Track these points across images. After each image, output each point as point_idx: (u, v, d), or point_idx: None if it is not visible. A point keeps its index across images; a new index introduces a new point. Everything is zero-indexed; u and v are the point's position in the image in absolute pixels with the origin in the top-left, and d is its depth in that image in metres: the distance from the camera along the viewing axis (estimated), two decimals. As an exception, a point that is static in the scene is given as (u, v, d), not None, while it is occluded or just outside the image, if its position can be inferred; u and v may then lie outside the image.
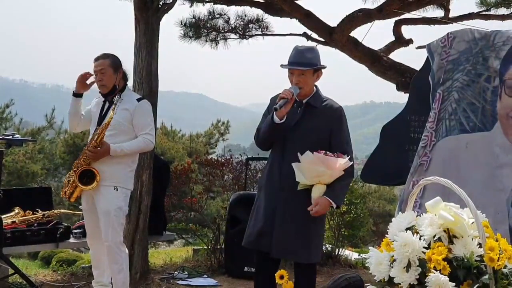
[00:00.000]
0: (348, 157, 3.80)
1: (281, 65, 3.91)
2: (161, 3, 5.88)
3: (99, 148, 4.49)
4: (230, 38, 7.79)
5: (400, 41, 7.68)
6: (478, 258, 2.13)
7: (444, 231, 2.23)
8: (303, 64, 3.82)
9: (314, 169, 3.70)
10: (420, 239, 2.21)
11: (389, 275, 2.24)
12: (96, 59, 4.70)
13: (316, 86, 3.95)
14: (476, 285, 2.07)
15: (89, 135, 4.82)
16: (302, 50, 3.88)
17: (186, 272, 6.35)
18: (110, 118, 4.48)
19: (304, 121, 3.85)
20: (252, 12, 7.50)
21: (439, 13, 7.53)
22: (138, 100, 4.73)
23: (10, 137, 4.97)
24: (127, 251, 4.78)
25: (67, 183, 4.66)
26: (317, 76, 3.91)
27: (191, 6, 7.35)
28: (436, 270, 2.09)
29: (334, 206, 3.82)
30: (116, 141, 4.57)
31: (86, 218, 4.87)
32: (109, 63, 4.65)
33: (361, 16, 6.75)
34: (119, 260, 4.65)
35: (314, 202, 3.74)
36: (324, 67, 3.93)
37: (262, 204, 3.94)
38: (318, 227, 3.91)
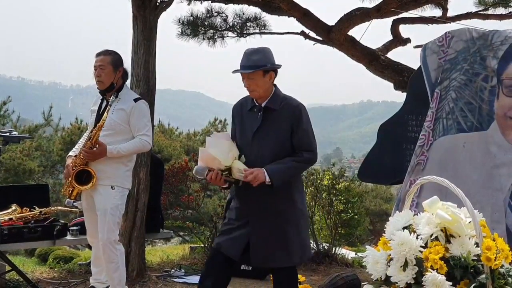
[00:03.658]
0: (312, 153, 3.75)
1: (233, 71, 3.81)
2: (159, 1, 5.87)
3: (94, 148, 4.49)
4: (227, 37, 7.79)
5: (398, 40, 7.69)
6: (475, 258, 2.13)
7: (441, 230, 2.23)
8: (249, 67, 3.69)
9: (223, 144, 3.72)
10: (417, 238, 2.21)
11: (386, 274, 2.24)
12: (98, 55, 4.68)
13: (274, 85, 3.83)
14: (473, 285, 2.07)
15: (86, 132, 4.82)
16: (248, 53, 3.74)
17: (183, 270, 6.36)
18: (103, 121, 4.49)
19: (265, 125, 3.76)
20: (250, 10, 7.52)
21: (437, 12, 7.54)
22: (136, 100, 4.70)
23: (8, 134, 4.96)
24: (123, 250, 4.78)
25: (67, 182, 4.67)
26: (270, 77, 3.76)
27: (189, 4, 7.36)
28: (433, 269, 2.10)
29: (267, 179, 3.62)
30: (113, 141, 4.56)
31: (86, 216, 4.88)
32: (109, 60, 4.63)
33: (359, 15, 6.75)
34: (115, 258, 4.64)
35: (249, 171, 3.63)
36: (277, 67, 3.78)
37: (233, 214, 3.85)
38: (295, 227, 3.78)
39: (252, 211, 3.74)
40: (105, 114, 4.52)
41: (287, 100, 3.80)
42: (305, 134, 3.76)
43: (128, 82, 5.03)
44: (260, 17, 7.55)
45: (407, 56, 6.17)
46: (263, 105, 3.79)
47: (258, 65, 3.69)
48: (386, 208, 16.40)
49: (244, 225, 3.75)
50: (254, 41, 7.83)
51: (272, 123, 3.75)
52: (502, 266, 2.13)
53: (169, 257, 7.15)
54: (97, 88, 4.73)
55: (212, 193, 13.46)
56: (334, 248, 7.40)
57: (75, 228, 5.66)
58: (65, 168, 4.75)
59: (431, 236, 2.23)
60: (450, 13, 7.52)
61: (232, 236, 3.77)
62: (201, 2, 7.40)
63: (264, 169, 3.63)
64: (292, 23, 7.43)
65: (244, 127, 3.85)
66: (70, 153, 4.79)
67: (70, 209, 6.01)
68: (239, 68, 3.76)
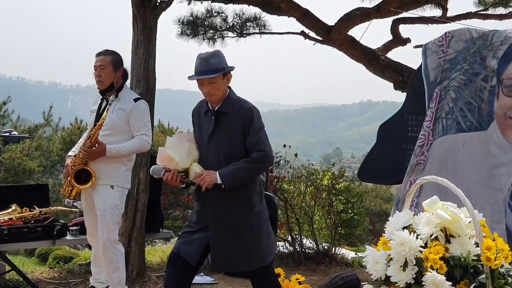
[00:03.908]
0: (263, 152, 3.69)
1: (189, 77, 3.76)
2: (159, 1, 5.87)
3: (94, 148, 4.49)
4: (227, 37, 7.79)
5: (398, 40, 7.69)
6: (475, 258, 2.13)
7: (441, 230, 2.23)
8: (211, 71, 3.67)
9: (182, 146, 3.70)
10: (417, 238, 2.21)
11: (385, 274, 2.24)
12: (98, 55, 4.68)
13: (229, 87, 3.82)
14: (473, 285, 2.07)
15: (85, 132, 4.82)
16: (206, 57, 3.71)
17: (182, 270, 6.34)
18: (103, 120, 4.48)
19: (218, 129, 3.74)
20: (250, 10, 7.52)
21: (437, 12, 7.54)
22: (135, 100, 4.70)
23: (8, 134, 4.96)
24: (122, 250, 4.77)
25: (66, 181, 4.66)
26: (227, 79, 3.78)
27: (189, 4, 7.37)
28: (433, 269, 2.10)
29: (219, 180, 3.62)
30: (112, 140, 4.56)
31: (85, 216, 4.88)
32: (109, 60, 4.63)
33: (359, 15, 6.76)
34: (115, 258, 4.64)
35: (198, 173, 3.65)
36: (232, 69, 3.79)
37: (194, 217, 3.86)
38: (254, 230, 3.76)
39: (212, 215, 3.74)
40: (104, 113, 4.52)
41: (240, 103, 3.79)
42: (256, 135, 3.72)
43: (128, 82, 5.03)
44: (260, 17, 7.56)
45: (407, 56, 6.18)
46: (216, 109, 3.77)
47: (219, 68, 3.69)
48: (386, 208, 16.40)
49: (204, 228, 3.75)
50: (254, 41, 7.83)
51: (225, 127, 3.74)
52: (502, 266, 2.13)
53: (169, 257, 7.13)
54: (97, 88, 4.72)
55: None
56: (334, 248, 7.40)
57: (75, 228, 5.66)
58: (64, 168, 4.75)
59: (431, 236, 2.23)
60: (450, 13, 7.52)
61: (191, 239, 3.76)
62: (201, 2, 7.41)
63: (217, 172, 3.63)
64: (292, 23, 7.44)
65: (201, 131, 3.85)
66: (70, 153, 4.79)
67: (70, 209, 6.01)
68: (194, 74, 3.73)
